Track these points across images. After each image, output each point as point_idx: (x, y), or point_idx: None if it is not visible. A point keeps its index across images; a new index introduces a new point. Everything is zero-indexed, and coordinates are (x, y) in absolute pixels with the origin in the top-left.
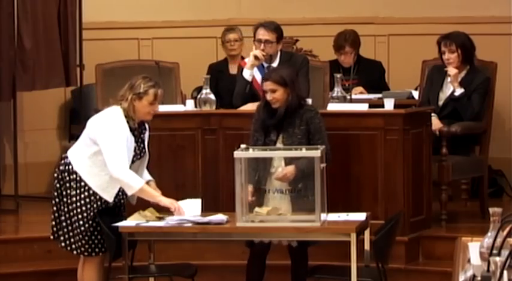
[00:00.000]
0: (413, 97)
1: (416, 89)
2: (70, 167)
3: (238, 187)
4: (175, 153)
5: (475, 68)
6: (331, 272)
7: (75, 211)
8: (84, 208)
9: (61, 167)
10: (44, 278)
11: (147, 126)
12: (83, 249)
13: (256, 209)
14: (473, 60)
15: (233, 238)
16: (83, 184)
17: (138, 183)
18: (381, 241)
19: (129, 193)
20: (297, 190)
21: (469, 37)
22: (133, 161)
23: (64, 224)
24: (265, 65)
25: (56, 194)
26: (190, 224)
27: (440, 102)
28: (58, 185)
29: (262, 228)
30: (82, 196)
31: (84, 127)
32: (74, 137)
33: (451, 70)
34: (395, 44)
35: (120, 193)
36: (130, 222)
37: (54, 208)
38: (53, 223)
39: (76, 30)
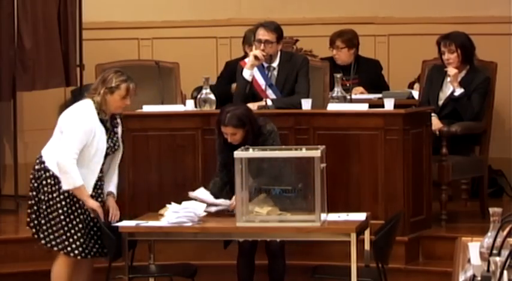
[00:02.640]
0: (413, 97)
1: (411, 87)
2: (45, 165)
3: (238, 187)
4: (175, 153)
5: (475, 68)
6: (331, 272)
7: (54, 207)
8: (63, 203)
9: (36, 167)
10: (44, 278)
11: (119, 120)
12: (62, 245)
13: (256, 209)
14: (473, 60)
15: (233, 238)
16: (59, 180)
17: (78, 181)
18: (381, 241)
19: (65, 186)
20: (297, 190)
21: (468, 37)
22: (107, 154)
23: (43, 221)
24: (265, 65)
25: (34, 193)
26: (190, 224)
27: (440, 102)
28: (36, 185)
29: (262, 228)
30: (61, 191)
31: None
32: None
33: (451, 70)
34: (395, 44)
35: (98, 190)
36: (130, 222)
37: (35, 208)
38: (34, 223)
39: (76, 30)
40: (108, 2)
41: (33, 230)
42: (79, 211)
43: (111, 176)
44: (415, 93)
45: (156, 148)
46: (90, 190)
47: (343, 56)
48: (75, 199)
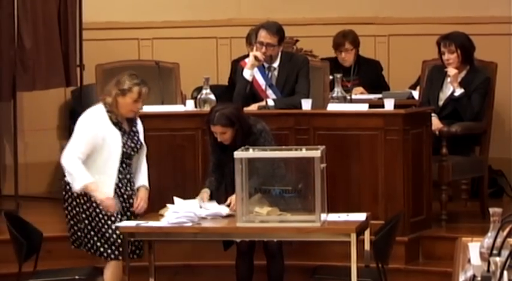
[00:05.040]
0: (413, 97)
1: (412, 88)
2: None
3: (238, 187)
4: (175, 153)
5: (475, 68)
6: (331, 273)
7: (81, 214)
8: (85, 207)
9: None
10: None
11: (138, 120)
12: (101, 250)
13: (256, 209)
14: (473, 61)
15: (233, 238)
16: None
17: (86, 179)
18: (381, 241)
19: (75, 187)
20: (297, 190)
21: (468, 37)
22: (131, 155)
23: (76, 228)
24: (266, 65)
25: (65, 205)
26: (190, 224)
27: (440, 103)
28: (66, 196)
29: (262, 228)
30: (80, 200)
31: None
32: None
33: (451, 70)
34: (395, 44)
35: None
36: (131, 222)
37: (68, 216)
38: (72, 230)
39: (76, 30)
40: (108, 2)
41: (73, 237)
42: (102, 213)
43: (139, 171)
44: (415, 94)
45: (156, 148)
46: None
47: (351, 57)
48: (99, 208)
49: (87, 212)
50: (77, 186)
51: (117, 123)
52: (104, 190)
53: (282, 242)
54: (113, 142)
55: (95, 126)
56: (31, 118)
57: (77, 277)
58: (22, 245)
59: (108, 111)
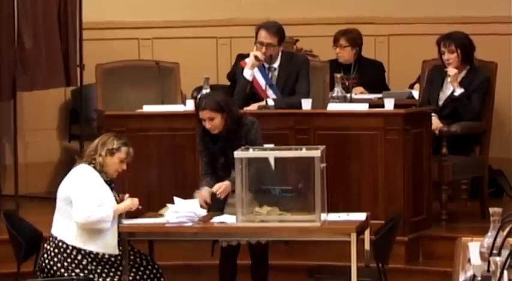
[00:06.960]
0: (413, 97)
1: (411, 87)
2: (61, 244)
3: (238, 187)
4: (175, 153)
5: (475, 68)
6: (331, 272)
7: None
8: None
9: (54, 251)
10: None
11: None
12: None
13: (256, 209)
14: (473, 60)
15: (233, 238)
16: (82, 254)
17: (109, 214)
18: (381, 241)
19: (106, 225)
20: (297, 190)
21: (468, 37)
22: None
23: None
24: (266, 65)
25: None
26: (190, 224)
27: (440, 103)
28: (52, 265)
29: (262, 228)
30: (81, 265)
31: (83, 129)
32: (74, 137)
33: (451, 70)
34: (395, 44)
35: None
36: (131, 220)
37: None
38: None
39: (76, 30)
40: (108, 2)
41: None
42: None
43: None
44: (415, 94)
45: (156, 148)
46: (116, 249)
47: (346, 54)
48: (107, 267)
49: None
50: (107, 224)
51: (107, 183)
52: (111, 243)
53: (269, 245)
54: (109, 200)
55: (96, 181)
56: (31, 118)
57: (75, 277)
58: (21, 245)
59: (98, 171)
